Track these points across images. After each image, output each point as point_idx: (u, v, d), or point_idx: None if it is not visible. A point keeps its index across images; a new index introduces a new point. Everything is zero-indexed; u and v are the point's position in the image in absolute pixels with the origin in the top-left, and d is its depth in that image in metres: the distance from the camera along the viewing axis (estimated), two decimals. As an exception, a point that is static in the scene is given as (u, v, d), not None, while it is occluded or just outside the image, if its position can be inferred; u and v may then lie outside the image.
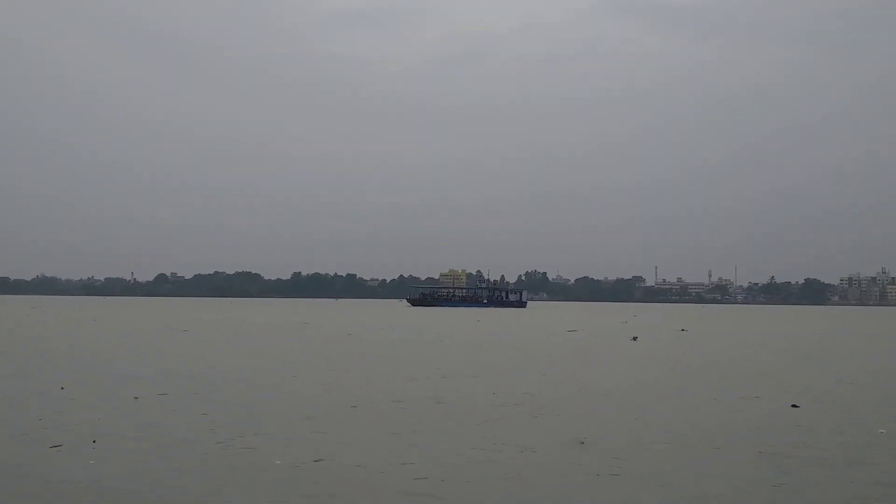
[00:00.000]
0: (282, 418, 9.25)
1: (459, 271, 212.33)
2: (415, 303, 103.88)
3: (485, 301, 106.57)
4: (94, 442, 7.70)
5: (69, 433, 8.10)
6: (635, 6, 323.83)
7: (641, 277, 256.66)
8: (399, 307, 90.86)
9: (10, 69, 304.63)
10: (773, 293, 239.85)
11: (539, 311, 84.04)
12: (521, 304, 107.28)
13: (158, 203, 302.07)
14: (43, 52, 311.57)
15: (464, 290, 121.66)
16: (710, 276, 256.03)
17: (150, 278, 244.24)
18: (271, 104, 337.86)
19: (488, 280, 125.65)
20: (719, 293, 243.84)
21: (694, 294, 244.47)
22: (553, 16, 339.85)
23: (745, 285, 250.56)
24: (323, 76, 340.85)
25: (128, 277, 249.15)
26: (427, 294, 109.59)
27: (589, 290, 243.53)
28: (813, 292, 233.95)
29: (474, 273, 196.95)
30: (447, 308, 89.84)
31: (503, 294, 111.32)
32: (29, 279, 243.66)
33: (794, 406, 10.72)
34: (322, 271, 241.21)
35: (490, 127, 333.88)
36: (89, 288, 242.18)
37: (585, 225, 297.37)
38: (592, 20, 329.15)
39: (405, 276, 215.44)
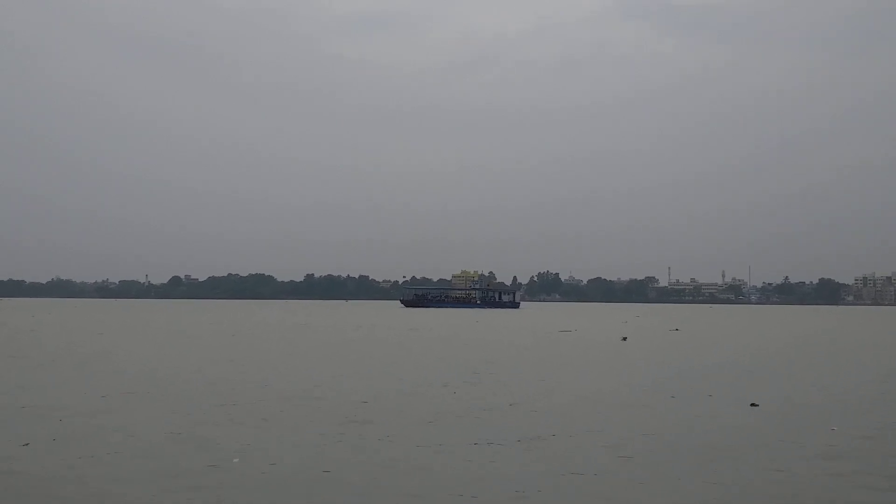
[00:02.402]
0: (244, 417, 9.55)
1: (471, 272, 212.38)
2: (408, 304, 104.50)
3: (478, 302, 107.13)
4: (53, 440, 8.02)
5: (36, 431, 8.42)
6: (647, 9, 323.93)
7: (655, 278, 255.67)
8: (392, 309, 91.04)
9: (27, 79, 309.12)
10: (787, 293, 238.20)
11: (532, 312, 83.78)
12: (514, 305, 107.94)
13: (172, 206, 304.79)
14: (58, 62, 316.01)
15: (457, 292, 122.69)
16: (723, 276, 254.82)
17: (165, 281, 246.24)
18: (282, 109, 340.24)
19: (485, 281, 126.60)
20: (733, 293, 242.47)
21: (707, 294, 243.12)
22: (564, 19, 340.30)
23: (759, 285, 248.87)
24: (333, 80, 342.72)
25: (142, 280, 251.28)
26: (420, 295, 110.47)
27: (602, 291, 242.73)
28: (827, 292, 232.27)
29: (486, 274, 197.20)
30: (437, 309, 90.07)
31: (496, 295, 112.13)
32: (44, 282, 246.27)
33: (752, 405, 10.91)
34: (335, 273, 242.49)
35: (502, 130, 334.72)
36: (104, 290, 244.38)
37: (599, 226, 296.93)
38: (604, 23, 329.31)
39: (417, 277, 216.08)
